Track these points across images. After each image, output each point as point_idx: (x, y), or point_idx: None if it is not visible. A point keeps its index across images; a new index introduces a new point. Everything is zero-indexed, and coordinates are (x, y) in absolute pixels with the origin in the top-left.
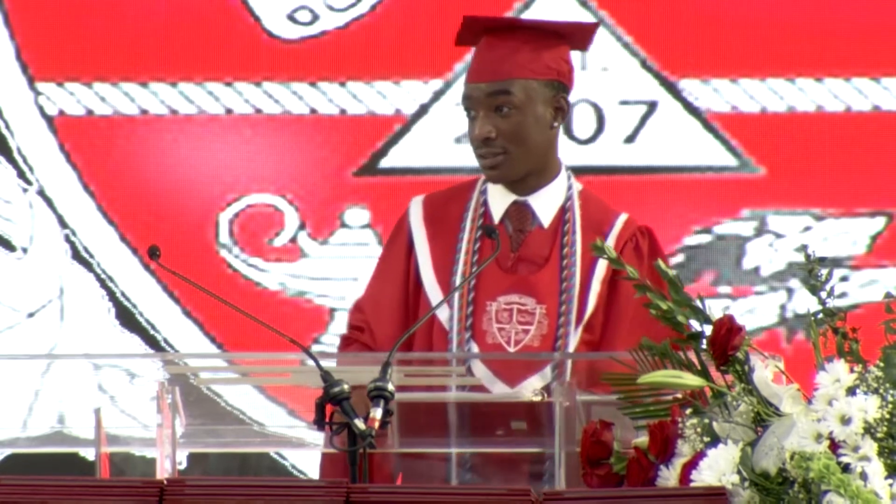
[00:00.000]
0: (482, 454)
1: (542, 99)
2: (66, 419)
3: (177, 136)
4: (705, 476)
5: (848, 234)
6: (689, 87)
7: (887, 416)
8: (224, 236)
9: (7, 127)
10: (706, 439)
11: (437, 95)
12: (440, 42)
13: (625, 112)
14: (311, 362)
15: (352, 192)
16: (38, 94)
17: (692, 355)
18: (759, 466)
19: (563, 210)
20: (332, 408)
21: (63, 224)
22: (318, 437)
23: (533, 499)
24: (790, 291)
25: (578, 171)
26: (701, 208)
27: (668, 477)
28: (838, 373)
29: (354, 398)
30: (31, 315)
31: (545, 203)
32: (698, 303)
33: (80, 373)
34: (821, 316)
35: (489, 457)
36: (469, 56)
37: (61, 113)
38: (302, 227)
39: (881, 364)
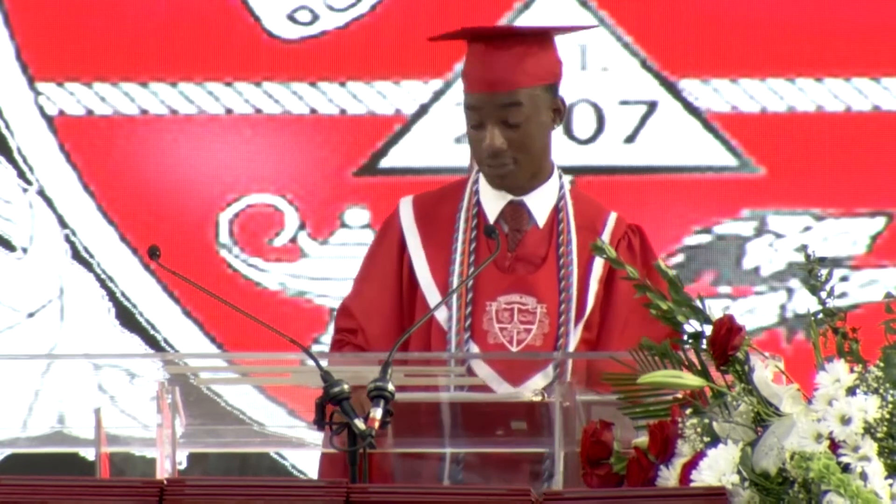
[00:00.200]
0: (482, 454)
1: (545, 105)
2: (66, 419)
3: (177, 136)
4: (705, 476)
5: (848, 234)
6: (689, 87)
7: (887, 416)
8: (224, 236)
9: (7, 127)
10: (706, 439)
11: (437, 95)
12: (440, 42)
13: (625, 112)
14: (311, 362)
15: (352, 192)
16: (38, 94)
17: (692, 355)
18: (759, 466)
19: (557, 209)
20: (332, 408)
21: (63, 224)
22: (318, 437)
23: (533, 499)
24: (790, 291)
25: (578, 171)
26: (701, 208)
27: (668, 477)
28: (838, 373)
29: (354, 398)
30: (31, 315)
31: (540, 203)
32: (698, 303)
33: (80, 373)
34: (821, 316)
35: (489, 457)
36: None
37: (61, 113)
38: (302, 227)
39: (881, 364)
